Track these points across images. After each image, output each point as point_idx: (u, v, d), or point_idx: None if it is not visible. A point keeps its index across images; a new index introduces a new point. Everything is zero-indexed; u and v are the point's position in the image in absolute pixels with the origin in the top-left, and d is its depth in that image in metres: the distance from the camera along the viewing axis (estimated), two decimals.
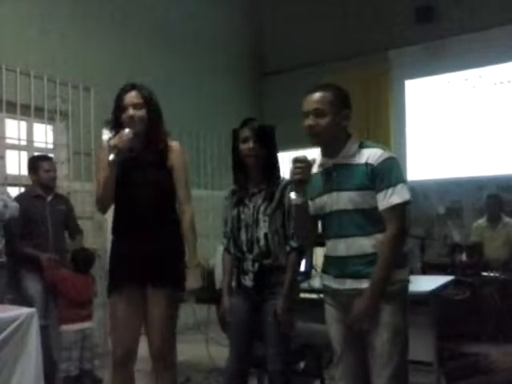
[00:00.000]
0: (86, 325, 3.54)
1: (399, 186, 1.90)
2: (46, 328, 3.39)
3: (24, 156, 4.46)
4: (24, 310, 2.76)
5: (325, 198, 2.01)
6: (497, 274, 3.83)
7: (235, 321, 2.47)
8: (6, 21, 4.28)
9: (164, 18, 5.70)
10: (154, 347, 2.32)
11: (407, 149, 6.21)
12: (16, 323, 2.65)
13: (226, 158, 6.06)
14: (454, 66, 5.88)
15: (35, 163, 3.85)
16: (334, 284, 2.02)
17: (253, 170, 2.45)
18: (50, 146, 4.70)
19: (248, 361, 2.50)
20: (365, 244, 1.93)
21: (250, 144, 2.38)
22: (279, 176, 2.47)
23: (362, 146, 1.99)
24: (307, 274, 3.28)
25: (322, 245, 2.13)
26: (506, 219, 5.15)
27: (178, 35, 5.85)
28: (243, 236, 2.44)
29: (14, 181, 4.37)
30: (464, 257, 4.66)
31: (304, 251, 2.47)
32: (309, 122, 1.97)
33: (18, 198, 3.80)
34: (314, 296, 3.21)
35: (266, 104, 7.05)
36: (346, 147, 1.99)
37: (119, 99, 2.34)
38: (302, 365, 3.12)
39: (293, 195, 1.99)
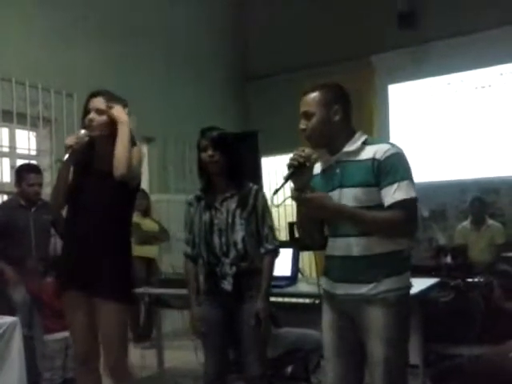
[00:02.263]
0: (63, 334, 3.47)
1: (405, 183, 1.84)
2: (30, 338, 3.34)
3: (6, 163, 4.42)
4: (6, 319, 2.73)
5: None
6: (481, 277, 3.86)
7: (209, 327, 2.46)
8: None
9: (147, 25, 5.69)
10: (105, 362, 2.31)
11: (402, 149, 6.24)
12: None
13: None
14: (437, 70, 5.95)
15: (20, 174, 3.72)
16: (331, 289, 1.98)
17: (217, 177, 2.49)
18: (33, 153, 4.66)
19: (225, 366, 2.51)
20: (363, 244, 1.87)
21: (209, 152, 2.44)
22: (246, 182, 2.51)
23: (366, 143, 1.94)
24: (293, 279, 3.28)
25: (324, 247, 2.09)
26: (490, 221, 5.22)
27: (160, 41, 5.84)
28: (216, 240, 2.45)
29: None
30: (449, 259, 4.69)
31: (278, 253, 2.51)
32: (300, 126, 1.96)
33: (1, 207, 3.75)
34: (300, 300, 3.22)
35: (250, 109, 7.06)
36: (347, 144, 1.95)
37: (85, 104, 2.37)
38: (289, 369, 3.12)
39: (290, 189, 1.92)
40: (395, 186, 1.83)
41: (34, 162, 4.60)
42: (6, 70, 4.26)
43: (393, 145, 1.94)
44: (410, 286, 1.95)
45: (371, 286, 1.85)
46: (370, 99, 6.36)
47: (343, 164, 1.93)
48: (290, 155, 1.91)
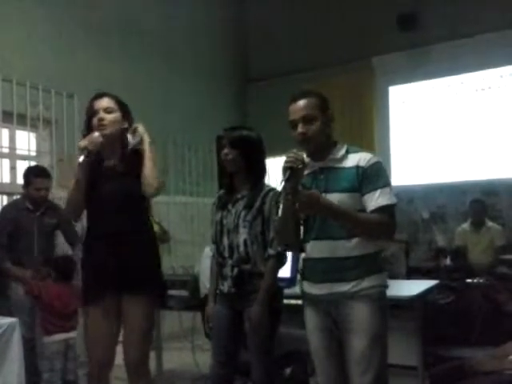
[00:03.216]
0: (69, 335, 3.46)
1: (387, 189, 1.95)
2: (31, 340, 3.33)
3: (6, 164, 4.42)
4: (5, 320, 2.72)
5: None
6: (481, 279, 3.86)
7: (217, 327, 2.48)
8: None
9: (148, 26, 5.70)
10: (130, 358, 2.28)
11: (391, 154, 6.26)
12: None
13: (211, 165, 6.10)
14: (437, 72, 5.96)
15: (28, 177, 3.67)
16: (314, 290, 2.02)
17: (235, 176, 2.48)
18: (33, 154, 4.66)
19: (231, 367, 2.48)
20: (348, 246, 1.95)
21: (225, 150, 2.45)
22: (262, 183, 2.49)
23: (348, 152, 2.02)
24: (292, 280, 3.27)
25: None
26: (490, 223, 5.22)
27: (162, 43, 5.85)
28: (225, 241, 2.45)
29: None
30: (448, 261, 4.70)
31: (283, 259, 2.48)
32: (300, 129, 1.98)
33: (6, 208, 3.74)
34: (299, 302, 3.21)
35: (251, 111, 7.07)
36: (333, 152, 2.02)
37: (90, 106, 2.34)
38: (288, 371, 3.11)
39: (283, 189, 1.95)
40: (378, 192, 1.94)
41: (33, 163, 4.60)
42: (6, 71, 4.26)
43: (373, 154, 2.04)
44: (386, 285, 2.03)
45: (354, 283, 1.94)
46: (370, 101, 6.37)
47: (327, 170, 2.01)
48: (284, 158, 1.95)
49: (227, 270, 2.42)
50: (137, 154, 2.36)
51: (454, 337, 3.19)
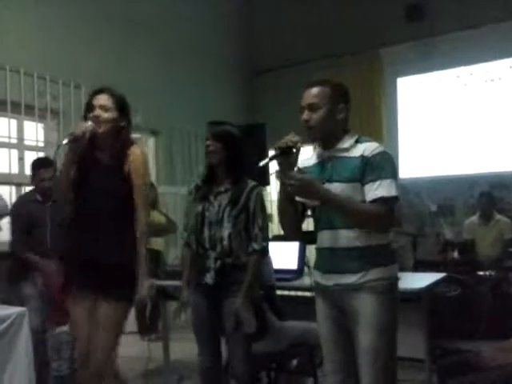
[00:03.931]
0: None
1: (388, 181, 1.89)
2: (43, 332, 3.34)
3: (14, 154, 4.43)
4: (15, 310, 2.74)
5: None
6: (488, 272, 3.84)
7: (198, 319, 2.53)
8: None
9: (155, 18, 5.67)
10: (94, 358, 2.29)
11: (399, 146, 6.23)
12: (7, 322, 2.63)
13: None
14: (446, 63, 5.90)
15: (33, 170, 3.68)
16: (322, 280, 2.03)
17: (216, 169, 2.53)
18: (41, 144, 4.67)
19: (218, 355, 2.54)
20: (351, 237, 1.94)
21: (207, 142, 2.51)
22: (244, 179, 2.51)
23: (358, 141, 2.00)
24: (300, 272, 3.27)
25: (314, 242, 2.12)
26: (498, 216, 5.18)
27: (169, 34, 5.83)
28: (206, 233, 2.49)
29: (4, 179, 4.34)
30: (456, 254, 4.68)
31: (266, 253, 2.53)
32: (304, 116, 1.99)
33: (19, 201, 3.75)
34: (306, 294, 3.21)
35: (258, 102, 7.04)
36: (341, 141, 2.01)
37: (89, 99, 2.35)
38: (294, 363, 3.12)
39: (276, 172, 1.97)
40: (377, 182, 1.90)
41: (41, 153, 4.61)
42: (14, 62, 4.27)
43: (381, 144, 2.01)
44: (397, 277, 2.01)
45: (359, 275, 1.93)
46: (378, 92, 6.32)
47: (335, 159, 2.00)
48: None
49: (210, 262, 2.46)
50: (123, 153, 2.35)
51: (461, 330, 3.19)
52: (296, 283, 3.15)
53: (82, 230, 2.31)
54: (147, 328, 4.86)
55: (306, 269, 3.43)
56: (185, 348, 4.05)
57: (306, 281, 3.19)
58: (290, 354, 2.92)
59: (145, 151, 5.77)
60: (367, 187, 1.91)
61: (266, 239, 2.50)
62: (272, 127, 6.07)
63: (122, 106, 2.35)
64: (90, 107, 2.32)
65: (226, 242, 2.44)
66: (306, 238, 3.23)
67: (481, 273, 3.83)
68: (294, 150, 1.91)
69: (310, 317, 2.44)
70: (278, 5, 6.82)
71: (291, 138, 1.92)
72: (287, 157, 1.92)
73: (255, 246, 2.46)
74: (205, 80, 6.24)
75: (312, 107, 1.97)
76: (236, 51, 6.94)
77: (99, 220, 2.28)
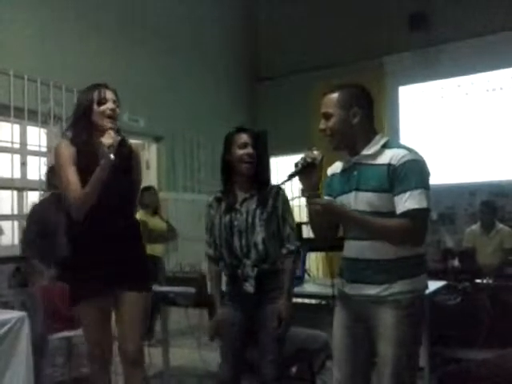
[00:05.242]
0: (72, 333, 3.41)
1: (417, 192, 1.81)
2: (41, 337, 3.33)
3: (17, 159, 4.45)
4: (14, 314, 2.74)
5: (344, 198, 1.96)
6: (489, 281, 3.84)
7: (228, 330, 2.45)
8: (0, 23, 4.27)
9: (159, 22, 5.71)
10: (128, 349, 2.29)
11: (420, 155, 6.21)
12: (7, 326, 2.63)
13: (219, 162, 6.08)
14: (447, 72, 5.92)
15: (50, 176, 3.70)
16: (345, 289, 2.00)
17: (244, 176, 2.44)
18: (44, 149, 4.68)
19: (241, 368, 2.49)
20: (376, 249, 1.88)
21: (249, 150, 2.40)
22: (269, 181, 2.50)
23: (385, 146, 1.93)
24: (300, 279, 3.28)
25: (335, 249, 2.11)
26: (500, 226, 5.17)
27: (172, 39, 5.86)
28: (236, 242, 2.42)
29: (7, 184, 4.35)
30: (456, 262, 4.67)
31: (300, 252, 2.50)
32: (320, 126, 1.98)
33: (35, 208, 3.77)
34: (306, 301, 3.21)
35: (260, 109, 7.06)
36: (367, 146, 1.94)
37: (97, 93, 2.26)
38: (294, 370, 3.11)
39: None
40: (407, 194, 1.82)
41: (44, 158, 4.63)
42: (18, 67, 4.29)
43: (410, 150, 1.93)
44: (425, 288, 1.95)
45: (384, 287, 1.87)
46: (380, 101, 6.32)
47: (361, 167, 1.94)
48: (301, 155, 1.94)
49: (247, 271, 2.39)
50: (129, 149, 2.35)
51: (461, 338, 3.18)
52: (297, 290, 3.14)
53: (96, 230, 2.24)
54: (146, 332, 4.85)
55: (306, 276, 3.44)
56: (184, 354, 4.05)
57: (307, 288, 3.20)
58: (291, 360, 2.91)
59: (146, 157, 5.80)
60: (397, 199, 1.83)
61: (297, 239, 2.45)
62: (273, 134, 6.10)
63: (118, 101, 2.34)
64: (99, 99, 2.24)
65: (261, 247, 2.38)
66: (308, 245, 3.25)
67: (481, 281, 3.82)
68: (316, 163, 1.87)
69: (310, 324, 2.45)
70: (281, 13, 6.85)
71: (310, 154, 1.88)
72: (308, 173, 1.87)
73: (290, 246, 2.40)
74: (207, 87, 6.26)
75: (326, 116, 1.96)
76: (238, 58, 6.97)
77: (113, 217, 2.25)
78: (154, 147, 5.88)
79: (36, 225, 3.60)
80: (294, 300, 3.31)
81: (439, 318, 3.16)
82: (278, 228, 2.42)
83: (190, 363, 4.01)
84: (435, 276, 3.89)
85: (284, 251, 2.40)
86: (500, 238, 5.10)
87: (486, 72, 5.80)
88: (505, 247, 5.04)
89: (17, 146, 4.49)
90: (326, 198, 2.03)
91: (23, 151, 4.54)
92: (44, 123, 4.59)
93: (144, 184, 4.28)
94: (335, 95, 1.96)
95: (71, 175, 2.19)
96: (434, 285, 3.14)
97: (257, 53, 7.24)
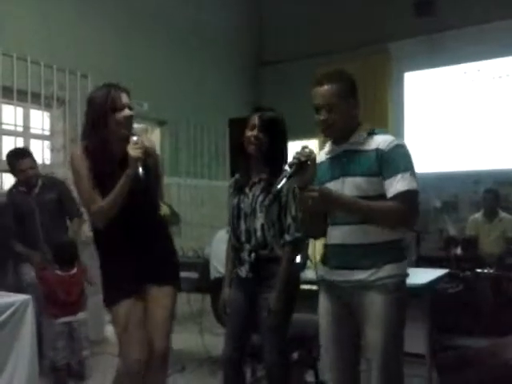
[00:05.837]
0: (73, 318, 3.46)
1: (407, 174, 1.87)
2: (39, 324, 3.36)
3: (20, 142, 4.44)
4: (18, 297, 2.76)
5: (331, 185, 1.96)
6: (491, 269, 3.84)
7: (232, 311, 2.48)
8: (3, 6, 4.24)
9: (162, 7, 5.65)
10: (158, 346, 2.25)
11: (405, 141, 6.17)
12: (11, 310, 2.65)
13: (223, 147, 6.10)
14: (453, 59, 5.87)
15: (10, 162, 3.64)
16: (329, 276, 2.01)
17: (254, 159, 2.42)
18: (47, 133, 4.68)
19: (244, 350, 2.50)
20: (364, 232, 1.90)
21: (255, 132, 2.37)
22: (279, 167, 2.39)
23: (372, 134, 1.98)
24: (303, 266, 3.28)
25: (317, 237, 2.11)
26: (503, 214, 5.17)
27: (176, 25, 5.81)
28: (242, 226, 2.43)
29: None
30: (459, 251, 4.68)
31: (300, 245, 2.45)
32: (321, 117, 1.95)
33: (8, 193, 3.75)
34: (306, 287, 3.22)
35: (265, 94, 7.01)
36: (355, 134, 1.98)
37: (112, 100, 2.14)
38: (295, 355, 3.13)
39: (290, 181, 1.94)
40: (398, 176, 1.86)
41: (47, 142, 4.63)
42: (21, 50, 4.27)
43: (396, 137, 2.00)
44: (407, 274, 1.99)
45: (370, 272, 1.90)
46: (385, 87, 6.29)
47: (349, 153, 1.97)
48: (305, 142, 1.96)
49: (245, 255, 2.41)
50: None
51: (462, 326, 3.19)
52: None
53: (125, 230, 2.20)
54: None
55: (308, 262, 3.44)
56: (186, 338, 4.09)
57: (309, 274, 3.20)
58: (292, 346, 2.93)
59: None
60: (388, 182, 1.87)
61: (300, 230, 2.36)
62: None
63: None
64: (116, 105, 2.13)
65: (259, 233, 2.37)
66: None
67: (483, 270, 3.83)
68: (309, 163, 1.86)
69: (311, 310, 2.45)
70: None
71: (303, 152, 1.87)
72: (303, 171, 1.86)
73: (287, 237, 2.36)
74: (211, 71, 6.22)
75: (329, 108, 1.92)
76: (243, 43, 6.91)
77: (141, 216, 2.22)
78: (157, 131, 5.87)
79: (7, 210, 3.60)
80: None
81: (440, 306, 3.17)
82: (279, 216, 2.38)
83: (193, 348, 4.04)
84: (437, 264, 3.90)
85: (282, 241, 2.38)
86: (503, 226, 5.10)
87: (492, 59, 5.74)
88: (507, 235, 5.04)
89: (20, 129, 4.48)
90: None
91: (26, 134, 4.53)
92: (47, 106, 4.58)
93: None
94: (337, 85, 1.94)
95: (89, 188, 2.15)
96: (436, 273, 3.16)
97: (261, 38, 7.18)
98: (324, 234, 2.06)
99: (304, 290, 3.31)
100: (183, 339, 4.05)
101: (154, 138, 5.84)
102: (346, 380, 2.02)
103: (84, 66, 4.70)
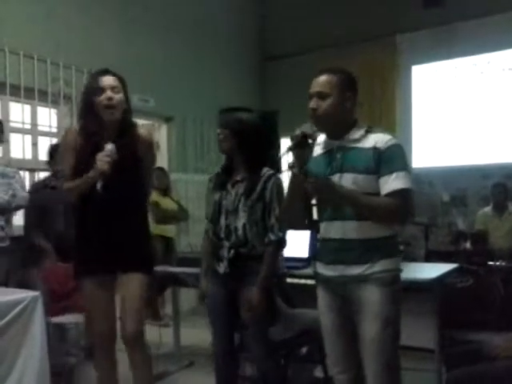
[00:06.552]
0: (64, 319, 3.35)
1: (403, 173, 1.90)
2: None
3: (28, 140, 4.46)
4: (29, 294, 2.76)
5: None
6: (501, 263, 3.81)
7: (214, 306, 2.53)
8: (10, 3, 4.25)
9: (167, 4, 5.63)
10: (128, 331, 2.32)
11: (413, 135, 6.16)
12: (20, 306, 2.65)
13: None
14: (462, 51, 5.80)
15: (51, 155, 3.72)
16: (326, 271, 2.03)
17: (234, 158, 2.48)
18: (54, 130, 4.69)
19: (232, 342, 2.55)
20: (360, 228, 1.93)
21: (218, 130, 2.47)
22: (258, 165, 2.45)
23: (368, 131, 1.98)
24: (310, 260, 3.27)
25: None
26: None
27: (179, 20, 5.79)
28: (222, 222, 2.47)
29: (18, 164, 4.37)
30: (468, 245, 4.64)
31: (283, 244, 2.48)
32: (312, 104, 1.97)
33: (34, 188, 3.78)
34: (314, 282, 3.21)
35: (269, 89, 6.99)
36: (351, 131, 1.99)
37: (94, 82, 2.27)
38: (304, 350, 3.13)
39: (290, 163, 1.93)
40: (393, 175, 1.89)
41: (54, 139, 4.64)
42: (27, 47, 4.28)
43: (393, 136, 2.01)
44: (400, 269, 2.01)
45: (366, 266, 1.93)
46: (393, 79, 6.25)
47: (345, 150, 1.98)
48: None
49: (224, 252, 2.44)
50: (134, 138, 2.34)
51: (472, 321, 3.17)
52: (306, 271, 3.14)
53: (99, 213, 2.29)
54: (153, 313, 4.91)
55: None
56: (195, 334, 4.09)
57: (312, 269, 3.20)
58: (300, 341, 2.93)
59: (156, 137, 5.79)
60: (383, 180, 1.90)
61: (284, 229, 2.43)
62: (283, 114, 6.05)
63: (126, 87, 2.32)
64: (97, 89, 2.23)
65: (240, 232, 2.42)
66: (317, 227, 3.24)
67: (492, 263, 3.80)
68: (310, 141, 1.87)
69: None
70: None
71: (308, 128, 1.89)
72: (303, 148, 1.88)
73: (271, 236, 2.41)
74: (217, 66, 6.21)
75: (321, 95, 1.95)
76: (247, 38, 6.89)
77: (119, 201, 2.28)
78: (164, 128, 5.87)
79: (33, 204, 3.62)
80: (304, 281, 3.33)
81: (450, 301, 3.15)
82: (262, 216, 2.42)
83: (201, 343, 4.05)
84: (447, 258, 3.87)
85: (266, 240, 2.42)
86: None
87: (502, 51, 5.67)
88: None
89: (27, 126, 4.50)
90: None
91: (34, 132, 4.55)
92: (54, 103, 4.59)
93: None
94: (333, 77, 1.97)
95: (68, 163, 2.30)
96: (445, 267, 3.13)
97: (265, 32, 7.14)
98: (303, 225, 2.12)
99: (312, 286, 3.31)
100: (191, 335, 4.06)
101: (161, 134, 5.85)
102: (351, 371, 2.03)
103: (90, 63, 4.70)
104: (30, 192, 3.74)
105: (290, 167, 1.89)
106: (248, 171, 2.44)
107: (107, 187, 2.21)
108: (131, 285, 2.32)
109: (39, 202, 3.61)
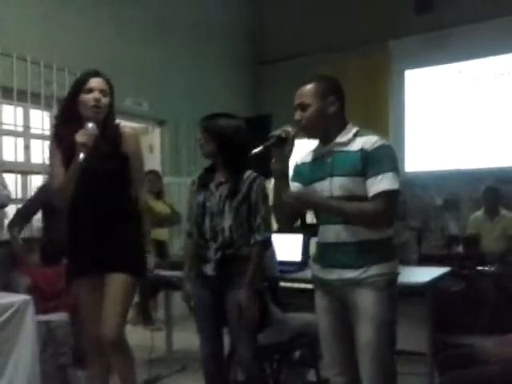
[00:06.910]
0: (51, 317, 3.28)
1: (390, 174, 1.89)
2: None
3: (20, 142, 4.44)
4: (18, 298, 2.75)
5: (317, 185, 2.01)
6: (493, 267, 3.83)
7: (200, 308, 2.53)
8: (3, 5, 4.23)
9: (162, 7, 5.64)
10: (105, 334, 2.29)
11: (405, 140, 6.19)
12: (11, 310, 2.64)
13: None
14: (454, 56, 5.85)
15: None
16: (322, 274, 2.04)
17: (215, 161, 2.53)
18: (47, 133, 4.67)
19: (220, 344, 2.56)
20: (353, 231, 1.93)
21: (198, 135, 2.54)
22: (241, 168, 2.49)
23: (357, 135, 1.98)
24: (303, 264, 3.28)
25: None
26: (504, 212, 5.15)
27: (175, 24, 5.79)
28: (207, 223, 2.48)
29: (10, 167, 4.35)
30: (460, 249, 4.66)
31: (269, 244, 2.53)
32: (296, 117, 2.00)
33: (43, 189, 3.77)
34: (309, 286, 3.21)
35: (263, 93, 7.01)
36: (339, 135, 2.00)
37: (83, 82, 2.30)
38: (297, 354, 3.13)
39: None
40: (380, 176, 1.89)
41: (47, 142, 4.61)
42: (20, 50, 4.26)
43: (382, 137, 2.00)
44: (397, 272, 2.02)
45: (361, 270, 1.93)
46: (385, 84, 6.28)
47: (334, 154, 1.99)
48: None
49: (210, 253, 2.45)
50: (118, 135, 2.36)
51: (465, 324, 3.18)
52: (299, 275, 3.15)
53: (85, 214, 2.31)
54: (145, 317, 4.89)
55: (309, 261, 3.44)
56: (187, 338, 4.07)
57: (309, 273, 3.20)
58: (293, 345, 2.93)
59: (150, 141, 5.79)
60: (369, 181, 1.90)
61: (269, 230, 2.48)
62: (278, 118, 6.06)
63: (113, 92, 2.35)
64: (85, 88, 2.26)
65: (227, 234, 2.43)
66: (311, 231, 3.24)
67: (484, 268, 3.82)
68: (288, 141, 1.92)
69: (312, 309, 2.44)
70: None
71: (286, 128, 1.93)
72: (281, 147, 1.92)
73: (258, 237, 2.44)
74: (211, 70, 6.21)
75: (302, 106, 1.98)
76: (241, 42, 6.90)
77: (102, 202, 2.29)
78: (157, 131, 5.86)
79: (34, 204, 3.62)
80: (297, 285, 3.34)
81: (443, 305, 3.16)
82: (248, 217, 2.45)
83: (193, 347, 4.03)
84: (439, 262, 3.89)
85: (252, 241, 2.44)
86: (504, 224, 5.08)
87: (493, 56, 5.72)
88: (509, 233, 5.02)
89: (20, 129, 4.48)
90: (295, 185, 2.08)
91: (26, 134, 4.52)
92: (47, 106, 4.57)
93: (147, 168, 4.27)
94: (311, 86, 1.99)
95: (55, 164, 2.30)
96: (437, 271, 3.14)
97: (260, 36, 7.16)
98: (291, 227, 2.20)
99: (306, 289, 3.31)
100: (184, 339, 4.04)
101: (155, 137, 5.84)
102: (348, 374, 2.03)
103: (83, 66, 4.67)
104: (40, 191, 3.75)
105: (272, 172, 1.96)
106: (230, 173, 2.47)
107: (89, 174, 2.22)
108: (113, 286, 2.30)
109: (47, 203, 3.61)
